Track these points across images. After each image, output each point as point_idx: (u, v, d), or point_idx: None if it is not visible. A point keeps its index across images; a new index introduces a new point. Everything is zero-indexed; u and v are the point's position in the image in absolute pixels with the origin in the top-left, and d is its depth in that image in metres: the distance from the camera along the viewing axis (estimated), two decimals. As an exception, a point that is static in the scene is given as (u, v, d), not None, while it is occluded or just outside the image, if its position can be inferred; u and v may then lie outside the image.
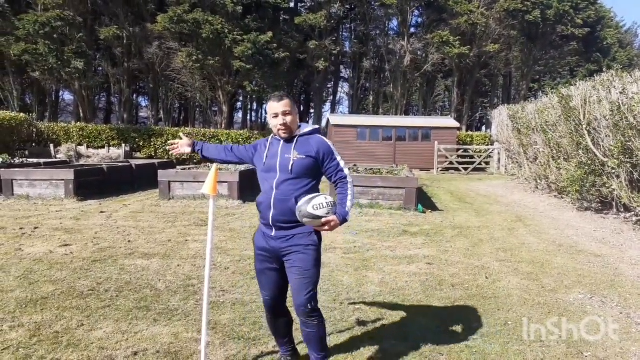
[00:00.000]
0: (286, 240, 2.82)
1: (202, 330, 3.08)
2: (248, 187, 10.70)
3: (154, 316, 3.95)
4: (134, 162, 15.49)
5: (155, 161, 16.55)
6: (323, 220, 2.70)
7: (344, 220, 2.79)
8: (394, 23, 37.41)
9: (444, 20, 32.93)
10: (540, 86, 40.38)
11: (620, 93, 8.44)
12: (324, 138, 2.95)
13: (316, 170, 2.88)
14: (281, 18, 33.07)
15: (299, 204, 2.72)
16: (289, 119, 2.83)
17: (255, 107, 48.67)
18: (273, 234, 2.85)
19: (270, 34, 26.93)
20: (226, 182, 10.41)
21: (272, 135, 3.00)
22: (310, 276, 2.78)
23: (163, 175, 11.00)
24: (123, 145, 24.50)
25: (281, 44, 28.29)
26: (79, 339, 3.49)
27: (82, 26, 28.65)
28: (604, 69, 9.95)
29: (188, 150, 3.24)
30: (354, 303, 4.36)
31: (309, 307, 2.78)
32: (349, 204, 2.84)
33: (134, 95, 41.67)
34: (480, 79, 38.71)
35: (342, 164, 2.92)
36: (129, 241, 6.64)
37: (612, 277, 5.37)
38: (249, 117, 47.88)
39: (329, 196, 2.75)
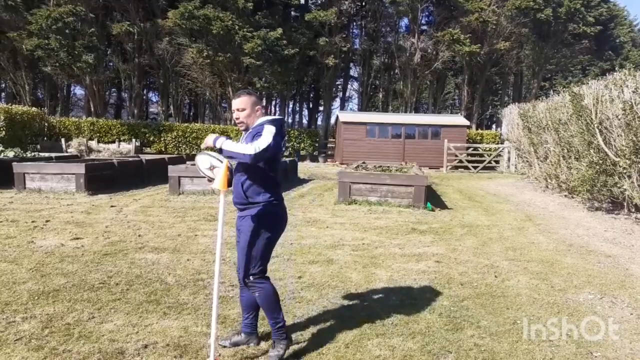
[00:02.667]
0: (240, 219, 3.21)
1: (211, 324, 3.11)
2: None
3: (163, 310, 3.98)
4: (144, 157, 15.58)
5: (165, 156, 16.65)
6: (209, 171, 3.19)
7: (214, 141, 3.01)
8: (405, 21, 37.28)
9: (454, 18, 32.74)
10: (552, 85, 40.09)
11: (633, 92, 8.36)
12: (267, 125, 3.07)
13: None
14: (291, 14, 33.08)
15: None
16: (242, 114, 3.18)
17: (264, 104, 48.71)
18: (238, 213, 3.25)
19: (280, 30, 26.95)
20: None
21: None
22: (246, 254, 3.13)
23: (173, 170, 11.07)
24: (133, 140, 24.68)
25: (291, 41, 28.29)
26: (90, 331, 3.53)
27: (94, 21, 28.88)
28: (617, 68, 9.84)
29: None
30: (363, 300, 4.37)
31: (247, 280, 3.16)
32: (232, 143, 2.98)
33: (145, 91, 41.87)
34: (490, 77, 38.43)
35: (264, 138, 2.97)
36: (139, 235, 6.70)
37: (622, 278, 5.33)
38: (258, 114, 47.85)
39: (222, 163, 3.10)
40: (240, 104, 3.18)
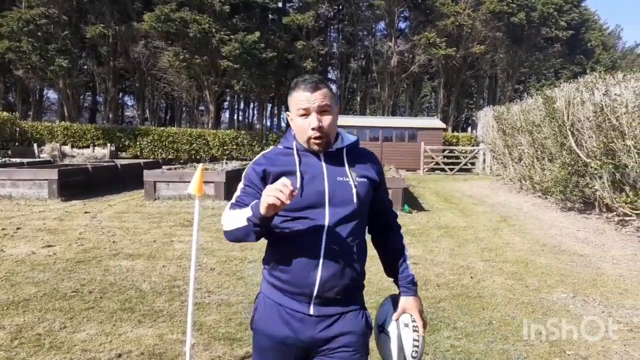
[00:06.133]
0: (331, 324, 1.70)
1: (187, 332, 3.06)
2: (235, 188, 10.66)
3: (138, 317, 3.91)
4: (119, 161, 15.36)
5: (141, 161, 16.44)
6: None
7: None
8: (381, 25, 37.57)
9: (430, 22, 33.16)
10: (526, 87, 40.85)
11: (603, 95, 8.56)
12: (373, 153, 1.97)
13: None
14: (269, 18, 33.02)
15: (389, 327, 1.82)
16: (327, 120, 1.66)
17: (242, 107, 48.63)
18: (311, 311, 1.68)
19: (257, 33, 26.86)
20: (212, 182, 10.35)
21: (292, 143, 1.81)
22: None
23: (148, 175, 10.91)
24: (108, 144, 24.27)
25: (269, 44, 28.24)
26: (61, 341, 3.44)
27: (67, 24, 28.34)
28: (588, 71, 10.09)
29: None
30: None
31: None
32: (409, 262, 1.95)
33: (120, 95, 41.32)
34: (466, 80, 38.99)
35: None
36: (114, 242, 6.58)
37: (594, 277, 5.44)
38: (235, 117, 47.83)
39: (410, 322, 1.85)
40: (325, 99, 1.66)
